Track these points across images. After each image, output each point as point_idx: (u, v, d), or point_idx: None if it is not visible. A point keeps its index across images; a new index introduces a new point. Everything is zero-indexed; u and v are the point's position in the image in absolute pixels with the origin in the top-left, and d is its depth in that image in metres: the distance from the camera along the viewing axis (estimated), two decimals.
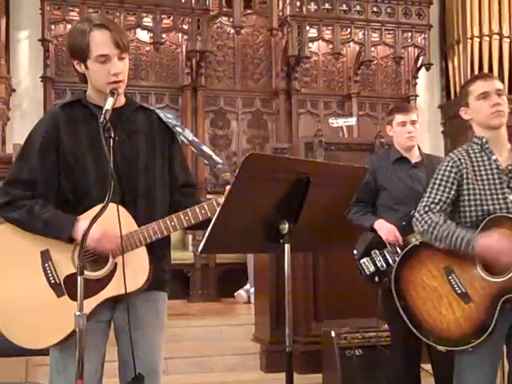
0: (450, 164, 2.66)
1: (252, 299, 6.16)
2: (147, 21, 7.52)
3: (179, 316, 5.66)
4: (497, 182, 2.61)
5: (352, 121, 6.70)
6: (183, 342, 5.02)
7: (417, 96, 8.53)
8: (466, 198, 2.62)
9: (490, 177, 2.62)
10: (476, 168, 2.64)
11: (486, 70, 8.10)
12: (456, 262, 2.56)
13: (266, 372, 4.70)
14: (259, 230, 2.04)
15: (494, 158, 2.64)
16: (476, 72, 8.18)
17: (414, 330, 2.60)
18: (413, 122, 3.64)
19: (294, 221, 2.03)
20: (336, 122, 6.31)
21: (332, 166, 2.18)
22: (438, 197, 2.63)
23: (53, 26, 7.26)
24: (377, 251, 3.55)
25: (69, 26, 7.38)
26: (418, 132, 3.68)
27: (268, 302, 4.77)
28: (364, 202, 3.65)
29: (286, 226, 2.01)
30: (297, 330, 4.52)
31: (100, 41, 2.19)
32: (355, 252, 3.63)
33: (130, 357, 2.18)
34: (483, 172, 2.63)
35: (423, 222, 2.60)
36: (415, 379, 3.50)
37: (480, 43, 8.21)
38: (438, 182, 2.66)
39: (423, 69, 8.31)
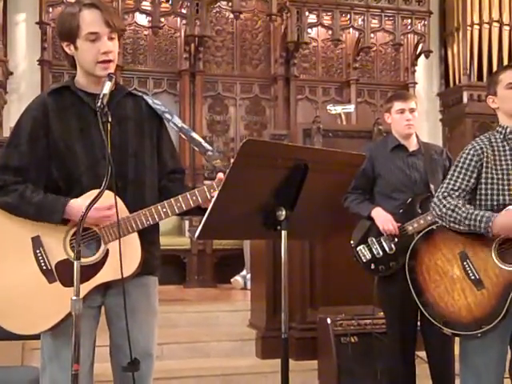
0: (472, 152, 2.65)
1: (248, 285, 6.17)
2: (146, 5, 7.46)
3: (175, 301, 5.67)
4: None
5: (350, 108, 6.68)
6: (179, 328, 5.03)
7: (415, 83, 8.50)
8: (483, 186, 2.62)
9: (510, 167, 2.62)
10: (497, 157, 2.63)
11: (485, 57, 8.08)
12: (471, 248, 2.58)
13: (261, 358, 4.71)
14: (256, 216, 2.04)
15: None
16: (475, 60, 8.16)
17: (425, 313, 2.63)
18: (411, 110, 3.63)
19: (291, 207, 2.03)
20: (334, 109, 6.28)
21: (330, 152, 2.17)
22: (458, 184, 2.63)
23: (50, 9, 7.18)
24: (373, 239, 3.55)
25: None
26: (416, 120, 3.67)
27: (264, 288, 4.77)
28: (361, 189, 3.64)
29: (283, 212, 2.02)
30: (293, 316, 4.52)
31: (90, 19, 2.19)
32: (352, 239, 3.63)
33: (124, 341, 2.19)
34: (503, 162, 2.63)
35: (441, 206, 2.60)
36: (410, 366, 3.52)
37: (480, 31, 8.18)
38: (458, 169, 2.65)
39: (422, 56, 8.27)
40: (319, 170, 2.03)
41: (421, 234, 2.80)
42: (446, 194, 2.63)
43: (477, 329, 2.52)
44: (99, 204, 2.05)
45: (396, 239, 3.48)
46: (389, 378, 3.60)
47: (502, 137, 2.68)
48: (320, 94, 8.34)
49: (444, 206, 2.59)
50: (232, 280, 6.71)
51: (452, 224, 2.58)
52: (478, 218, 2.51)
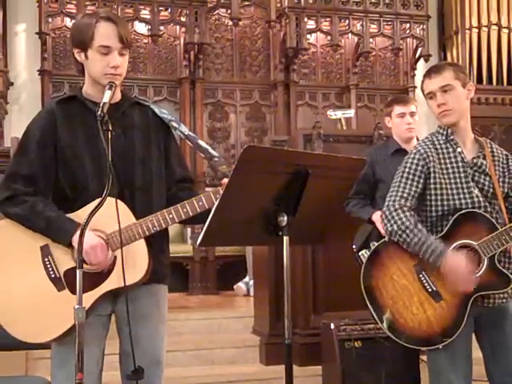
0: (417, 157, 2.59)
1: (251, 292, 6.16)
2: (145, 13, 7.49)
3: (178, 309, 5.66)
4: (462, 175, 2.56)
5: (350, 113, 6.66)
6: (183, 335, 5.02)
7: (415, 87, 8.49)
8: (433, 192, 2.57)
9: (456, 170, 2.57)
10: (442, 161, 2.58)
11: (484, 61, 8.10)
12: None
13: (265, 364, 4.71)
14: (258, 222, 2.04)
15: (459, 150, 2.60)
16: (474, 63, 8.17)
17: (386, 331, 2.52)
18: (412, 114, 3.64)
19: (293, 213, 2.03)
20: (334, 114, 6.27)
21: (330, 157, 2.17)
22: (407, 191, 2.55)
23: (50, 19, 7.21)
24: (375, 243, 3.54)
25: (66, 19, 7.38)
26: (416, 123, 3.68)
27: (267, 294, 4.77)
28: (363, 194, 3.65)
29: (285, 218, 2.02)
30: (296, 322, 4.52)
31: (105, 32, 2.23)
32: (354, 244, 3.63)
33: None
34: (449, 165, 2.58)
35: (393, 221, 2.52)
36: (414, 371, 3.51)
37: (478, 34, 8.20)
38: (405, 175, 2.58)
39: (422, 60, 8.27)
40: (320, 175, 2.03)
41: (373, 247, 2.70)
42: (396, 204, 2.53)
43: (438, 342, 2.46)
44: (92, 243, 2.10)
45: None
46: (393, 382, 3.60)
47: (444, 138, 2.64)
48: (320, 100, 8.34)
49: (395, 222, 2.51)
50: (235, 286, 6.71)
51: (401, 243, 2.52)
52: (430, 249, 2.45)
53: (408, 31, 8.18)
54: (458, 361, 2.51)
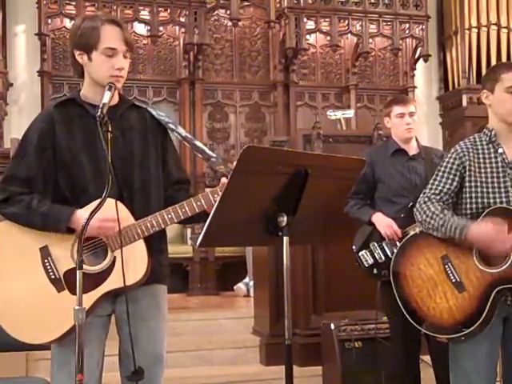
0: (454, 156, 2.66)
1: (251, 292, 6.16)
2: (144, 14, 7.49)
3: (178, 310, 5.66)
4: (500, 175, 2.61)
5: (350, 113, 6.67)
6: (183, 336, 5.02)
7: (415, 87, 8.50)
8: (468, 189, 2.62)
9: (495, 170, 2.61)
10: (481, 160, 2.64)
11: (484, 60, 8.09)
12: (454, 252, 2.58)
13: (265, 365, 4.71)
14: (258, 222, 2.04)
15: (500, 151, 2.64)
16: (474, 63, 8.16)
17: (408, 317, 2.62)
18: (411, 114, 3.64)
19: (293, 213, 2.03)
20: (334, 115, 6.28)
21: (330, 158, 2.17)
22: (440, 188, 2.63)
23: (49, 20, 7.22)
24: (375, 243, 3.55)
25: (66, 20, 7.37)
26: (416, 124, 3.68)
27: (267, 295, 4.77)
28: (362, 194, 3.65)
29: (285, 218, 2.02)
30: (296, 322, 4.52)
31: (111, 35, 2.26)
32: (354, 244, 3.63)
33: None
34: (488, 164, 2.63)
35: (422, 212, 2.61)
36: (415, 371, 3.51)
37: (478, 34, 8.18)
38: (440, 173, 2.67)
39: (421, 60, 8.27)
40: (320, 176, 2.03)
41: (405, 238, 2.81)
42: (426, 198, 2.64)
43: (457, 332, 2.51)
44: (104, 215, 2.07)
45: (398, 243, 3.48)
46: (393, 382, 3.59)
47: (487, 139, 2.67)
48: (319, 100, 8.34)
49: (424, 211, 2.61)
50: (235, 287, 6.71)
51: (431, 231, 2.60)
52: (454, 226, 2.51)
53: (407, 31, 8.18)
54: (479, 354, 2.53)
